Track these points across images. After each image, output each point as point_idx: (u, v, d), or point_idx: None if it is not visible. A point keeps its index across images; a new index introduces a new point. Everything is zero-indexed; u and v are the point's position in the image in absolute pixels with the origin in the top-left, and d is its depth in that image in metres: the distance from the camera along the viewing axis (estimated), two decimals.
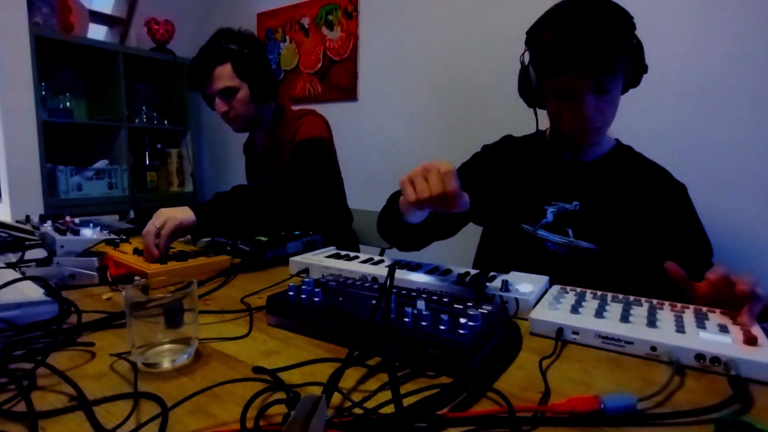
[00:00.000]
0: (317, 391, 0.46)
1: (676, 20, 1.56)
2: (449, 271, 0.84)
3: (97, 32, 2.85)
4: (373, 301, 0.62)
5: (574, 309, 0.64)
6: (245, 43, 1.36)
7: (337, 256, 0.95)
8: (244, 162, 1.68)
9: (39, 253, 0.98)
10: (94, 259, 0.88)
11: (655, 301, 0.69)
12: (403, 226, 0.86)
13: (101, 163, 2.64)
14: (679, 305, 0.67)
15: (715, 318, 0.62)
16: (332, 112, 2.43)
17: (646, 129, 1.61)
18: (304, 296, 0.65)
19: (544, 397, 0.46)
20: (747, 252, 1.48)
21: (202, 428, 0.41)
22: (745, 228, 1.49)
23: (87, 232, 1.02)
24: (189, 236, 1.13)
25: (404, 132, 2.28)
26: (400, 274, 0.80)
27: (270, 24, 2.74)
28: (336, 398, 0.45)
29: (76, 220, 1.20)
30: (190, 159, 3.04)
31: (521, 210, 1.02)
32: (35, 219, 1.33)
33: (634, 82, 0.93)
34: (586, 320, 0.61)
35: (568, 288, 0.75)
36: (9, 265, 0.85)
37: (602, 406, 0.42)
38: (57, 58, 2.63)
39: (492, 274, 0.81)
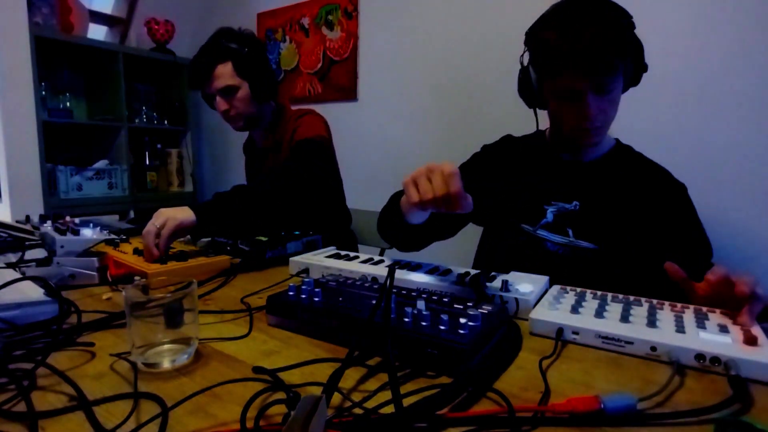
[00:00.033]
0: (317, 391, 0.46)
1: (676, 20, 1.56)
2: (449, 271, 0.84)
3: (97, 32, 2.85)
4: (373, 301, 0.62)
5: (574, 309, 0.64)
6: (245, 43, 1.36)
7: (337, 256, 0.95)
8: (244, 162, 1.68)
9: (39, 253, 0.98)
10: (94, 259, 0.88)
11: (655, 301, 0.69)
12: (403, 226, 0.86)
13: (101, 163, 2.64)
14: (679, 305, 0.67)
15: (715, 318, 0.62)
16: (332, 112, 2.43)
17: (646, 129, 1.61)
18: (304, 296, 0.65)
19: (544, 397, 0.46)
20: (747, 252, 1.48)
21: (202, 428, 0.41)
22: (745, 228, 1.49)
23: (87, 232, 1.02)
24: (189, 236, 1.13)
25: (404, 132, 2.28)
26: (400, 274, 0.80)
27: (270, 24, 2.74)
28: (336, 398, 0.45)
29: (76, 220, 1.20)
30: (190, 159, 3.04)
31: (521, 210, 1.02)
32: (35, 219, 1.33)
33: (634, 80, 0.93)
34: (586, 320, 0.61)
35: (568, 288, 0.75)
36: (9, 265, 0.85)
37: (602, 406, 0.42)
38: (57, 58, 2.63)
39: (492, 274, 0.81)
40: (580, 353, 0.58)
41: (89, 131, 2.79)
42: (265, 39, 2.76)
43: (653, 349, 0.55)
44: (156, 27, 2.82)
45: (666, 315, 0.63)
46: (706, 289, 0.68)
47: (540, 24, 0.92)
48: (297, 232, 1.16)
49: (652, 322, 0.59)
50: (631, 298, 0.70)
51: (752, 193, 1.47)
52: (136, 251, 0.96)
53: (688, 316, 0.62)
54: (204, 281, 0.86)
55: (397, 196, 0.93)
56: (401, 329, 0.53)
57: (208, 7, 3.08)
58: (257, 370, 0.51)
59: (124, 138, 2.67)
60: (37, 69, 2.26)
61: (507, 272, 0.83)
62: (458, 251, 1.49)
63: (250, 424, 0.40)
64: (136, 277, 0.84)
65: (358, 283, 0.73)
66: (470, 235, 1.20)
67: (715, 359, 0.51)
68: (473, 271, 0.81)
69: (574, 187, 1.00)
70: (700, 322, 0.60)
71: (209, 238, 1.13)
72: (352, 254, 0.97)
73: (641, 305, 0.67)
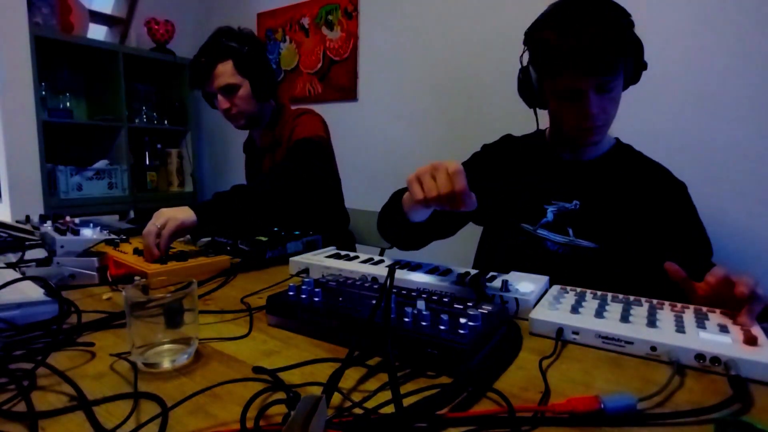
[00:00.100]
0: (317, 391, 0.46)
1: (676, 20, 1.56)
2: (449, 271, 0.84)
3: (97, 32, 2.85)
4: (373, 301, 0.62)
5: (574, 309, 0.64)
6: (245, 41, 1.37)
7: (337, 256, 0.95)
8: (244, 162, 1.68)
9: (39, 253, 0.98)
10: (94, 259, 0.88)
11: (655, 301, 0.69)
12: (405, 224, 0.86)
13: (101, 163, 2.64)
14: (679, 305, 0.67)
15: (715, 318, 0.62)
16: (332, 112, 2.44)
17: (646, 128, 1.61)
18: (304, 296, 0.65)
19: (544, 397, 0.46)
20: (747, 252, 1.48)
21: (202, 428, 0.41)
22: (745, 228, 1.49)
23: (87, 232, 1.02)
24: (188, 236, 1.13)
25: (404, 132, 2.28)
26: (400, 274, 0.80)
27: (270, 24, 2.74)
28: (336, 398, 0.45)
29: (76, 220, 1.20)
30: (190, 159, 3.04)
31: (521, 209, 1.03)
32: (35, 219, 1.33)
33: (634, 79, 0.93)
34: (586, 320, 0.61)
35: (568, 288, 0.75)
36: (9, 265, 0.85)
37: (602, 406, 0.42)
38: (57, 58, 2.63)
39: (492, 274, 0.81)
40: (580, 353, 0.58)
41: (89, 131, 2.79)
42: (265, 39, 2.76)
43: (653, 349, 0.55)
44: (156, 27, 2.82)
45: (666, 315, 0.63)
46: (706, 289, 0.67)
47: (539, 24, 0.92)
48: (297, 232, 1.16)
49: (652, 322, 0.59)
50: (631, 298, 0.70)
51: (752, 193, 1.47)
52: (136, 251, 0.96)
53: (688, 316, 0.62)
54: (204, 281, 0.86)
55: (398, 194, 0.93)
56: (401, 329, 0.53)
57: (208, 7, 3.09)
58: (257, 370, 0.51)
59: (124, 138, 2.67)
60: (37, 69, 2.26)
61: (507, 272, 0.83)
62: (458, 251, 1.49)
63: (250, 424, 0.40)
64: (136, 277, 0.84)
65: (358, 283, 0.73)
66: (470, 235, 1.20)
67: (715, 359, 0.51)
68: (473, 271, 0.81)
69: (575, 186, 1.00)
70: (700, 322, 0.60)
71: (209, 238, 1.13)
72: (352, 254, 0.97)
73: (641, 305, 0.67)
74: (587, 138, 0.95)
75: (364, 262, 0.91)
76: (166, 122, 3.00)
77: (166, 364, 0.53)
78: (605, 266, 0.95)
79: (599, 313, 0.63)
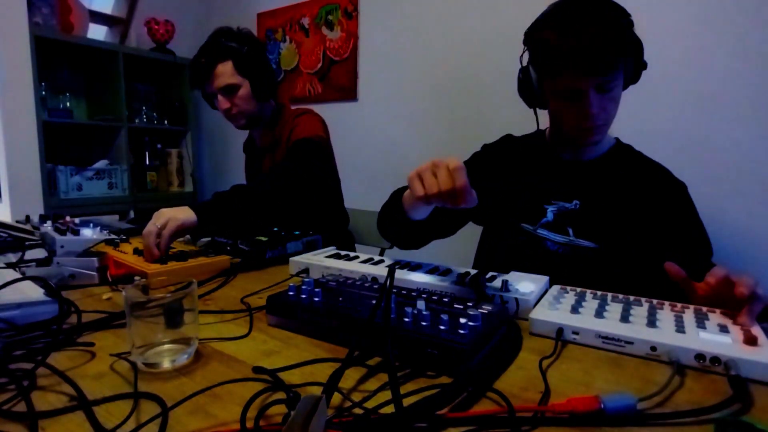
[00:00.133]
0: (317, 391, 0.46)
1: (676, 20, 1.56)
2: (449, 271, 0.84)
3: (97, 32, 2.84)
4: (373, 301, 0.62)
5: (574, 309, 0.64)
6: (245, 41, 1.37)
7: (337, 256, 0.95)
8: (244, 162, 1.68)
9: (39, 253, 0.98)
10: (94, 259, 0.88)
11: (655, 301, 0.69)
12: (405, 222, 0.86)
13: (101, 163, 2.64)
14: (679, 305, 0.67)
15: (715, 318, 0.62)
16: (332, 112, 2.44)
17: (647, 129, 1.61)
18: (304, 296, 0.65)
19: (544, 397, 0.46)
20: (747, 252, 1.48)
21: (202, 428, 0.41)
22: (745, 228, 1.49)
23: (87, 232, 1.02)
24: (188, 236, 1.13)
25: (404, 132, 2.28)
26: (400, 274, 0.80)
27: (270, 24, 2.74)
28: (336, 398, 0.45)
29: (76, 220, 1.20)
30: (190, 159, 3.04)
31: (521, 209, 1.02)
32: (35, 219, 1.33)
33: (634, 78, 0.93)
34: (586, 320, 0.61)
35: (568, 288, 0.75)
36: (9, 265, 0.85)
37: (602, 406, 0.42)
38: (57, 58, 2.62)
39: (492, 274, 0.81)
40: (580, 353, 0.58)
41: (89, 131, 2.79)
42: (265, 39, 2.76)
43: (653, 349, 0.55)
44: (156, 27, 2.82)
45: (666, 315, 0.63)
46: (706, 289, 0.67)
47: (539, 24, 0.92)
48: (297, 232, 1.16)
49: (652, 322, 0.59)
50: (631, 298, 0.70)
51: (753, 193, 1.47)
52: (136, 251, 0.96)
53: (688, 316, 0.62)
54: (204, 281, 0.86)
55: (398, 193, 0.93)
56: (401, 329, 0.53)
57: (208, 7, 3.09)
58: (257, 370, 0.51)
59: (124, 138, 2.67)
60: (37, 69, 2.26)
61: (507, 272, 0.83)
62: (458, 251, 1.49)
63: (250, 424, 0.40)
64: (136, 277, 0.84)
65: (358, 283, 0.73)
66: (470, 235, 1.20)
67: (715, 359, 0.51)
68: (473, 271, 0.81)
69: (575, 186, 1.00)
70: (700, 322, 0.60)
71: (209, 238, 1.13)
72: (352, 254, 0.97)
73: (641, 305, 0.67)
74: (587, 138, 0.95)
75: (364, 262, 0.91)
76: (166, 122, 3.00)
77: (166, 364, 0.53)
78: (605, 266, 0.95)
79: (599, 313, 0.63)
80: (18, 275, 0.72)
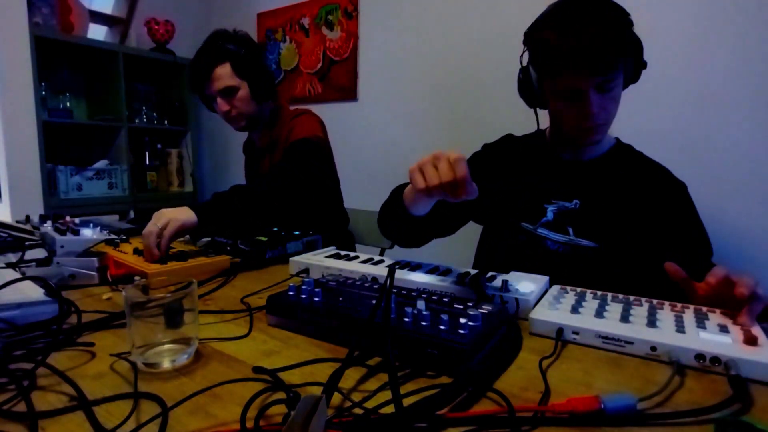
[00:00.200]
0: (317, 391, 0.46)
1: (676, 20, 1.56)
2: (449, 271, 0.84)
3: (97, 32, 2.84)
4: (373, 301, 0.62)
5: (574, 309, 0.64)
6: (242, 43, 1.38)
7: (337, 256, 0.95)
8: (243, 162, 1.68)
9: (39, 253, 0.98)
10: (94, 259, 0.88)
11: (655, 301, 0.69)
12: (406, 218, 0.86)
13: (101, 163, 2.64)
14: (679, 305, 0.67)
15: (715, 318, 0.62)
16: (332, 112, 2.44)
17: (647, 128, 1.61)
18: (304, 296, 0.65)
19: (544, 397, 0.46)
20: (747, 252, 1.48)
21: (202, 428, 0.41)
22: (745, 228, 1.49)
23: (87, 232, 1.02)
24: (188, 236, 1.13)
25: (404, 132, 2.28)
26: (400, 274, 0.80)
27: (270, 24, 2.74)
28: (336, 398, 0.45)
29: (76, 220, 1.20)
30: (190, 159, 3.04)
31: (522, 208, 1.02)
32: (35, 219, 1.33)
33: (634, 78, 0.93)
34: (586, 320, 0.61)
35: (568, 288, 0.75)
36: (9, 265, 0.85)
37: (602, 406, 0.42)
38: (57, 58, 2.62)
39: (492, 274, 0.81)
40: (580, 353, 0.58)
41: (89, 131, 2.79)
42: (265, 39, 2.76)
43: (653, 349, 0.55)
44: (156, 27, 2.82)
45: (666, 315, 0.63)
46: (707, 289, 0.67)
47: (539, 24, 0.91)
48: (297, 232, 1.16)
49: (652, 322, 0.59)
50: (631, 298, 0.70)
51: (753, 192, 1.48)
52: (136, 251, 0.96)
53: (688, 316, 0.62)
54: (204, 281, 0.86)
55: (398, 189, 0.93)
56: (401, 329, 0.53)
57: (208, 7, 3.09)
58: (257, 370, 0.51)
59: (124, 138, 2.67)
60: (37, 69, 2.26)
61: (507, 272, 0.83)
62: (458, 251, 1.49)
63: (250, 424, 0.40)
64: (136, 277, 0.84)
65: (358, 283, 0.73)
66: (470, 235, 1.20)
67: (715, 359, 0.51)
68: (473, 271, 0.81)
69: (575, 185, 1.00)
70: (700, 322, 0.60)
71: (209, 238, 1.13)
72: (352, 254, 0.97)
73: (641, 305, 0.67)
74: (587, 137, 0.95)
75: (364, 262, 0.91)
76: (166, 122, 3.00)
77: (166, 364, 0.53)
78: (605, 266, 0.95)
79: (599, 313, 0.63)
80: (18, 275, 0.72)
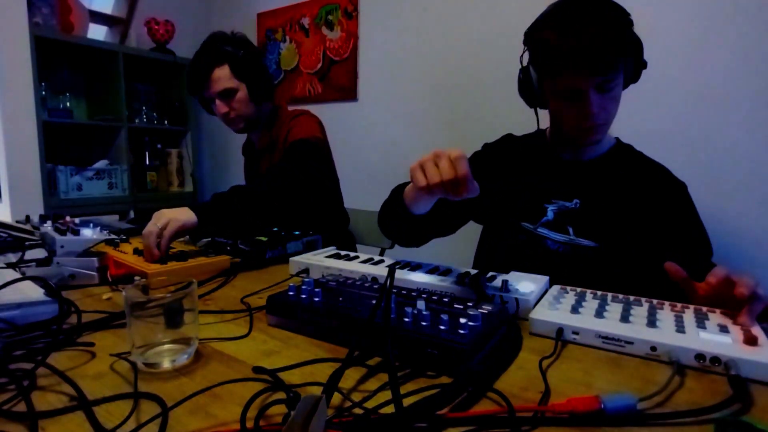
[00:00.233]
0: (317, 391, 0.46)
1: (676, 20, 1.56)
2: (449, 271, 0.84)
3: (97, 32, 2.84)
4: (373, 301, 0.62)
5: (574, 309, 0.64)
6: (240, 45, 1.38)
7: (337, 256, 0.95)
8: (243, 163, 1.68)
9: (39, 253, 0.98)
10: (94, 259, 0.88)
11: (655, 301, 0.69)
12: (406, 217, 0.86)
13: (101, 163, 2.64)
14: (679, 305, 0.67)
15: (715, 318, 0.62)
16: (332, 112, 2.44)
17: (647, 129, 1.61)
18: (304, 296, 0.65)
19: (544, 397, 0.46)
20: (747, 252, 1.48)
21: (202, 428, 0.41)
22: (745, 228, 1.49)
23: (87, 232, 1.02)
24: (187, 236, 1.13)
25: (404, 132, 2.28)
26: (400, 274, 0.80)
27: (270, 24, 2.74)
28: (336, 398, 0.45)
29: (76, 220, 1.20)
30: (190, 159, 3.04)
31: (522, 208, 1.03)
32: (35, 219, 1.33)
33: (634, 78, 0.93)
34: (586, 320, 0.61)
35: (568, 288, 0.75)
36: (9, 265, 0.85)
37: (602, 406, 0.42)
38: (57, 58, 2.62)
39: (492, 274, 0.81)
40: (580, 353, 0.58)
41: (89, 131, 2.79)
42: (265, 39, 2.76)
43: (653, 349, 0.55)
44: (156, 27, 2.82)
45: (666, 315, 0.63)
46: (707, 289, 0.67)
47: (539, 24, 0.91)
48: (297, 232, 1.16)
49: (652, 322, 0.59)
50: (631, 298, 0.70)
51: (753, 193, 1.48)
52: (136, 251, 0.96)
53: (688, 316, 0.62)
54: (204, 281, 0.86)
55: (399, 189, 0.93)
56: (401, 329, 0.53)
57: (208, 7, 3.09)
58: (257, 370, 0.51)
59: (124, 138, 2.67)
60: (37, 69, 2.26)
61: (507, 272, 0.83)
62: (458, 251, 1.49)
63: (250, 424, 0.40)
64: (136, 277, 0.84)
65: (358, 283, 0.73)
66: (470, 235, 1.20)
67: (715, 359, 0.51)
68: (473, 271, 0.81)
69: (575, 185, 1.00)
70: (700, 322, 0.60)
71: (209, 238, 1.13)
72: (352, 254, 0.97)
73: (641, 305, 0.67)
74: (588, 137, 0.95)
75: (364, 262, 0.91)
76: (166, 122, 3.00)
77: (166, 364, 0.53)
78: (605, 265, 0.95)
79: (599, 313, 0.63)
80: (18, 275, 0.72)
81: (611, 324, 0.60)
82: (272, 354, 0.57)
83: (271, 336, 0.63)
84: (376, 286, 0.71)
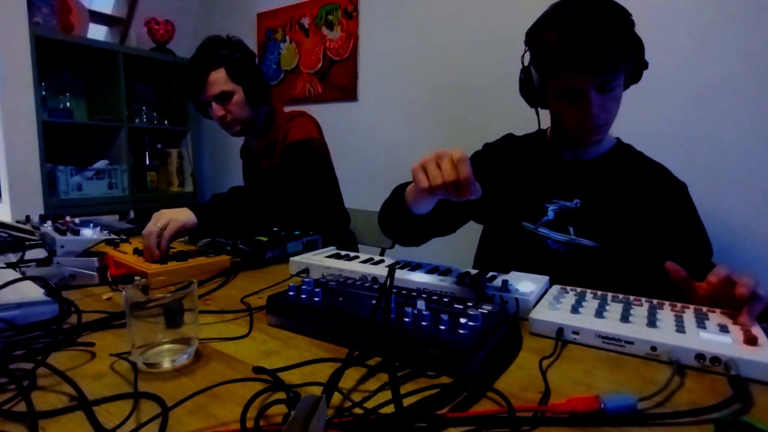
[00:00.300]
0: (317, 391, 0.46)
1: (677, 19, 1.56)
2: (449, 271, 0.84)
3: (97, 32, 2.85)
4: (373, 301, 0.62)
5: (574, 309, 0.64)
6: (236, 49, 1.38)
7: (337, 256, 0.95)
8: (242, 166, 1.69)
9: (39, 253, 0.98)
10: (94, 259, 0.88)
11: (655, 301, 0.69)
12: (407, 217, 0.86)
13: (101, 163, 2.64)
14: (679, 305, 0.67)
15: (715, 318, 0.62)
16: (332, 112, 2.45)
17: (647, 129, 1.61)
18: (304, 296, 0.65)
19: (544, 397, 0.46)
20: (747, 252, 1.48)
21: (202, 428, 0.41)
22: (745, 228, 1.49)
23: (87, 232, 1.02)
24: (187, 237, 1.13)
25: (404, 132, 2.28)
26: (400, 274, 0.80)
27: (270, 24, 2.74)
28: (336, 398, 0.45)
29: (76, 220, 1.20)
30: (190, 159, 3.04)
31: (522, 208, 1.03)
32: (35, 219, 1.33)
33: (635, 78, 0.93)
34: (586, 320, 0.61)
35: (568, 288, 0.75)
36: (9, 265, 0.85)
37: (602, 406, 0.42)
38: (57, 58, 2.63)
39: (492, 274, 0.81)
40: (580, 353, 0.58)
41: (89, 131, 2.79)
42: (265, 39, 2.76)
43: (653, 349, 0.55)
44: (156, 27, 2.82)
45: (666, 315, 0.63)
46: (707, 289, 0.67)
47: (540, 24, 0.92)
48: (297, 232, 1.16)
49: (652, 322, 0.59)
50: (631, 298, 0.70)
51: (753, 193, 1.47)
52: (136, 251, 0.96)
53: (688, 316, 0.62)
54: (204, 281, 0.86)
55: (400, 188, 0.93)
56: (401, 329, 0.53)
57: (208, 7, 3.08)
58: (257, 370, 0.51)
59: (124, 138, 2.67)
60: (37, 69, 2.26)
61: (507, 272, 0.83)
62: (458, 251, 1.49)
63: (250, 424, 0.40)
64: (136, 277, 0.84)
65: (358, 283, 0.73)
66: (470, 235, 1.20)
67: (715, 359, 0.51)
68: (473, 271, 0.81)
69: (576, 185, 1.00)
70: (700, 322, 0.60)
71: (209, 239, 1.13)
72: (352, 254, 0.97)
73: (641, 305, 0.67)
74: (588, 137, 0.95)
75: (364, 262, 0.91)
76: (166, 122, 3.00)
77: (166, 364, 0.53)
78: (606, 265, 0.95)
79: (599, 313, 0.63)
80: (18, 275, 0.72)
81: (611, 324, 0.60)
82: (272, 354, 0.57)
83: (271, 336, 0.63)
84: (376, 286, 0.71)
